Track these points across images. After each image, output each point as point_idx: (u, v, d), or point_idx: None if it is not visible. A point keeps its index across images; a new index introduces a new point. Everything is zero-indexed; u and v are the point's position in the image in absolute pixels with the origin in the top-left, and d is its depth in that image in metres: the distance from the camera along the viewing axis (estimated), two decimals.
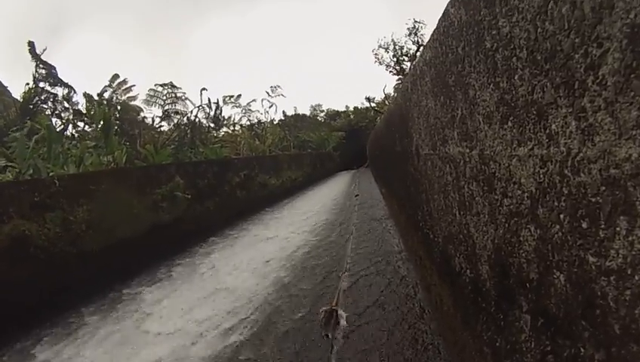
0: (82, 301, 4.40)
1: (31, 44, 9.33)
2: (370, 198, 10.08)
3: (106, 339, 3.48)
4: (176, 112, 11.79)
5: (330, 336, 2.87)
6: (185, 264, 5.72)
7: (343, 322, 3.09)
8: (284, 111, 24.36)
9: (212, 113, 13.01)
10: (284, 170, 13.98)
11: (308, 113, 29.03)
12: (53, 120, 9.95)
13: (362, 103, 29.27)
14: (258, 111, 19.21)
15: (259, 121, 18.21)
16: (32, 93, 9.60)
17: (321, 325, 3.07)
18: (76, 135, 9.55)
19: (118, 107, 9.98)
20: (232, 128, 16.75)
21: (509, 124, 1.08)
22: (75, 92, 10.18)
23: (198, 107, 12.33)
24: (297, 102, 55.64)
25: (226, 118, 15.80)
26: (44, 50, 9.57)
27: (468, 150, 1.55)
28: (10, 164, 5.99)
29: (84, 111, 9.96)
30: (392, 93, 20.56)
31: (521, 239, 1.10)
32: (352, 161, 26.66)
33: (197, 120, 12.14)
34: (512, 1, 0.96)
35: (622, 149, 0.61)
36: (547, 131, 0.86)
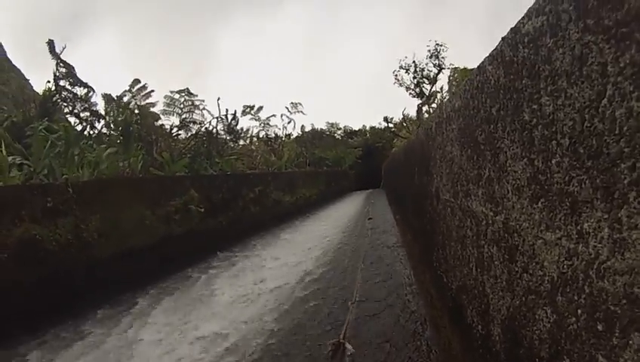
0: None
1: (50, 43, 9.51)
2: (383, 223, 10.07)
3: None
4: (194, 122, 11.93)
5: None
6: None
7: (349, 352, 3.11)
8: (302, 126, 24.65)
9: (229, 124, 13.15)
10: (299, 187, 14.07)
11: (325, 128, 29.24)
12: (72, 119, 10.17)
13: (380, 123, 29.37)
14: (276, 126, 19.43)
15: (276, 136, 18.42)
16: (53, 92, 9.74)
17: (327, 358, 3.09)
18: (93, 136, 9.64)
19: (136, 112, 10.08)
20: (248, 141, 16.92)
21: (540, 205, 1.11)
22: (94, 92, 10.26)
23: (217, 118, 12.50)
24: (315, 118, 55.93)
25: (244, 130, 15.97)
26: (64, 48, 9.70)
27: (492, 213, 1.60)
28: (25, 161, 6.00)
29: (103, 113, 10.11)
30: (411, 115, 20.59)
31: (537, 317, 1.14)
32: (366, 179, 26.69)
33: (214, 130, 12.28)
34: (560, 83, 0.95)
35: None
36: (578, 228, 0.89)
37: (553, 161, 1.02)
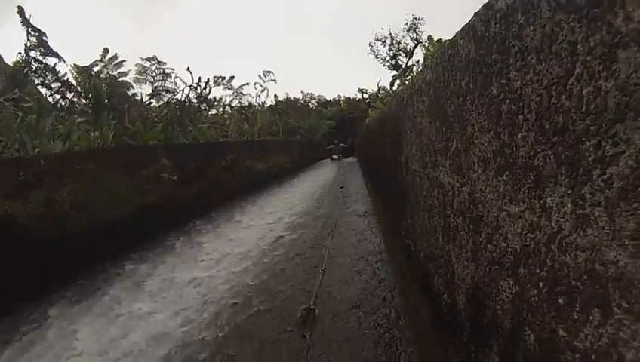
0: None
1: (20, 9, 8.97)
2: (355, 192, 10.14)
3: None
4: (166, 90, 11.64)
5: (306, 336, 2.93)
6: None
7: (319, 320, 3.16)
8: (275, 95, 24.25)
9: (202, 92, 12.81)
10: (273, 155, 13.93)
11: (300, 98, 28.90)
12: (43, 90, 9.76)
13: (355, 94, 29.20)
14: (250, 94, 19.08)
15: (250, 105, 18.10)
16: (23, 64, 9.29)
17: (297, 324, 3.13)
18: (65, 107, 9.29)
19: (108, 81, 9.74)
20: (221, 110, 16.59)
21: (504, 178, 1.11)
22: (64, 62, 9.88)
23: (190, 86, 12.17)
24: (289, 87, 55.29)
25: (217, 99, 15.67)
26: (30, 15, 9.22)
27: (458, 184, 1.59)
28: None
29: (75, 83, 9.71)
30: (388, 88, 20.48)
31: (500, 288, 1.15)
32: (341, 149, 26.73)
33: (187, 99, 11.96)
34: (529, 59, 0.94)
35: (611, 252, 0.64)
36: (541, 202, 0.89)
37: (519, 136, 1.01)
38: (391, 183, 4.31)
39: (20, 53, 9.44)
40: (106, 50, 10.69)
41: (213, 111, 15.75)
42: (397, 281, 3.71)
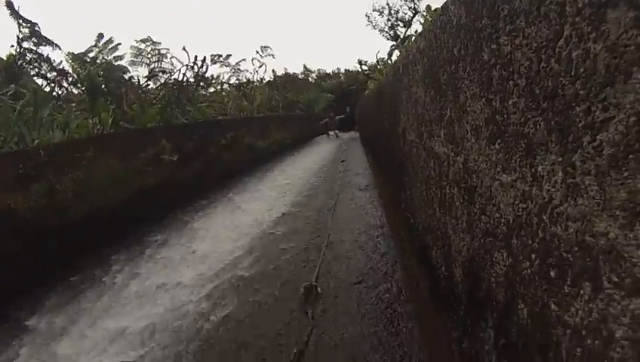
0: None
1: (8, 3, 8.78)
2: (356, 165, 10.07)
3: None
4: (163, 71, 11.46)
5: (309, 314, 2.94)
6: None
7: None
8: (274, 71, 23.83)
9: (199, 71, 12.61)
10: (272, 131, 13.82)
11: (299, 73, 28.44)
12: (39, 81, 9.65)
13: (354, 66, 28.61)
14: (247, 70, 18.79)
15: (248, 81, 17.81)
16: (17, 56, 9.15)
17: (301, 301, 3.14)
18: (62, 96, 9.21)
19: (103, 66, 9.62)
20: (219, 87, 16.36)
21: (496, 146, 1.06)
22: (60, 49, 9.75)
23: (186, 66, 11.97)
24: (288, 62, 54.46)
25: (215, 77, 15.44)
26: (19, 7, 9.03)
27: (453, 154, 1.55)
28: None
29: (70, 71, 9.60)
30: (386, 59, 20.04)
31: (494, 260, 1.12)
32: (338, 123, 26.41)
33: (185, 78, 11.78)
34: (518, 22, 0.89)
35: (602, 223, 0.60)
36: (532, 170, 0.85)
37: (510, 102, 0.96)
38: (390, 155, 4.25)
39: (12, 45, 9.29)
40: (100, 35, 10.52)
41: (212, 90, 15.57)
42: (398, 255, 3.70)
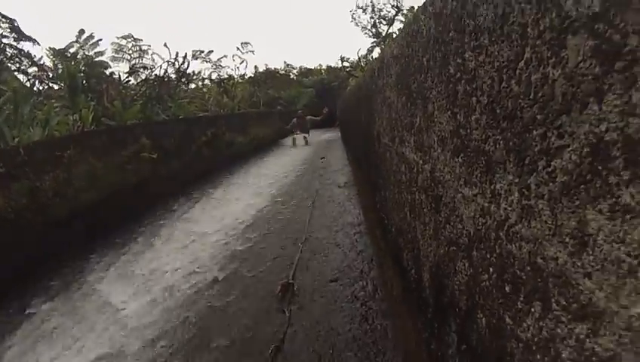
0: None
1: None
2: (336, 162, 10.10)
3: None
4: (144, 67, 11.28)
5: (286, 312, 2.95)
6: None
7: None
8: (255, 67, 23.68)
9: (180, 67, 12.41)
10: (253, 127, 13.73)
11: (280, 69, 28.26)
12: (20, 76, 9.42)
13: (336, 63, 28.55)
14: (228, 67, 18.63)
15: (229, 77, 17.65)
16: None
17: (277, 299, 3.15)
18: (43, 92, 8.95)
19: (83, 62, 9.39)
20: (200, 83, 16.15)
21: (460, 159, 1.08)
22: (39, 44, 9.54)
23: (167, 62, 11.78)
24: (271, 58, 54.10)
25: (196, 73, 15.25)
26: None
27: (421, 161, 1.57)
28: None
29: (51, 66, 9.34)
30: (367, 55, 20.11)
31: (457, 269, 1.15)
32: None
33: (166, 74, 11.59)
34: (482, 40, 0.89)
35: (552, 247, 0.62)
36: (492, 187, 0.87)
37: (473, 118, 0.97)
38: (367, 155, 4.28)
39: None
40: (81, 31, 10.29)
41: (193, 86, 15.38)
42: (374, 254, 3.74)
